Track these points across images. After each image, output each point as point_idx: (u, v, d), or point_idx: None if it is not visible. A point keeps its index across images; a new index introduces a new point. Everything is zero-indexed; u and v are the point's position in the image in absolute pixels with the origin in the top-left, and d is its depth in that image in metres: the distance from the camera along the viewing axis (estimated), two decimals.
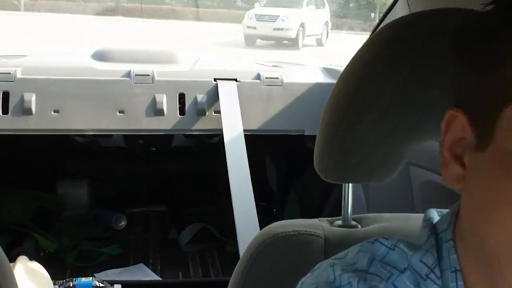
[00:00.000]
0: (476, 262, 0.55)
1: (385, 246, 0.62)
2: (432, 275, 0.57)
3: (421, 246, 0.59)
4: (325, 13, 14.47)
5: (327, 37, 14.32)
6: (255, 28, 13.31)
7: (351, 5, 18.36)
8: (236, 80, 2.15)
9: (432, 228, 0.61)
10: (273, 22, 13.26)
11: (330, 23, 14.50)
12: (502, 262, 0.51)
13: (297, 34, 13.27)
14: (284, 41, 13.56)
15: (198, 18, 15.89)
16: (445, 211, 0.64)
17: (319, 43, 13.96)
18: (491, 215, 0.50)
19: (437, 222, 0.61)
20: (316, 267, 0.64)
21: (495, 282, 0.52)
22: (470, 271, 0.55)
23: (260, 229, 0.84)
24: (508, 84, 0.49)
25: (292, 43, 13.33)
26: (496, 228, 0.50)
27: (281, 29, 13.31)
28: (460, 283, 0.55)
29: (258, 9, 14.09)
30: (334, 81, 0.76)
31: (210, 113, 2.11)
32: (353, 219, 0.86)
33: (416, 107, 0.67)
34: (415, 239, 0.62)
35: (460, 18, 0.64)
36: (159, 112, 2.07)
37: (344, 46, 10.30)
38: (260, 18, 13.34)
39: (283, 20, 13.26)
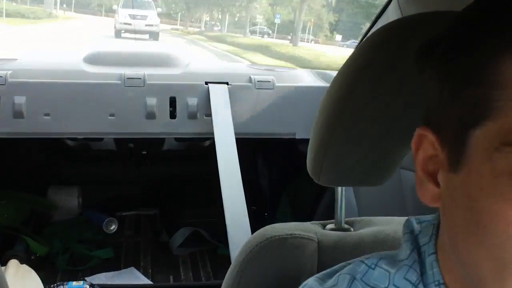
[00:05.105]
0: (459, 277, 0.53)
1: (366, 264, 0.61)
2: None
3: (404, 262, 0.58)
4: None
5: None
6: (130, 24, 17.70)
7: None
8: (227, 83, 2.15)
9: (413, 241, 0.60)
10: (145, 20, 18.19)
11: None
12: (485, 283, 0.48)
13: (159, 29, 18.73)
14: (148, 34, 18.54)
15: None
16: (424, 217, 0.62)
17: (156, 37, 18.74)
18: (470, 237, 0.48)
19: (419, 234, 0.60)
20: (300, 287, 0.64)
21: None
22: (454, 285, 0.55)
23: (252, 233, 0.84)
24: (479, 103, 0.45)
25: (155, 36, 18.51)
26: (475, 250, 0.48)
27: (151, 25, 18.49)
28: None
29: (129, 10, 18.32)
30: (326, 85, 0.76)
31: (201, 117, 2.11)
32: (346, 223, 0.86)
33: (410, 111, 0.68)
34: (398, 252, 0.61)
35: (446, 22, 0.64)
36: (150, 116, 2.07)
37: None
38: (133, 17, 17.95)
39: (151, 18, 18.42)
